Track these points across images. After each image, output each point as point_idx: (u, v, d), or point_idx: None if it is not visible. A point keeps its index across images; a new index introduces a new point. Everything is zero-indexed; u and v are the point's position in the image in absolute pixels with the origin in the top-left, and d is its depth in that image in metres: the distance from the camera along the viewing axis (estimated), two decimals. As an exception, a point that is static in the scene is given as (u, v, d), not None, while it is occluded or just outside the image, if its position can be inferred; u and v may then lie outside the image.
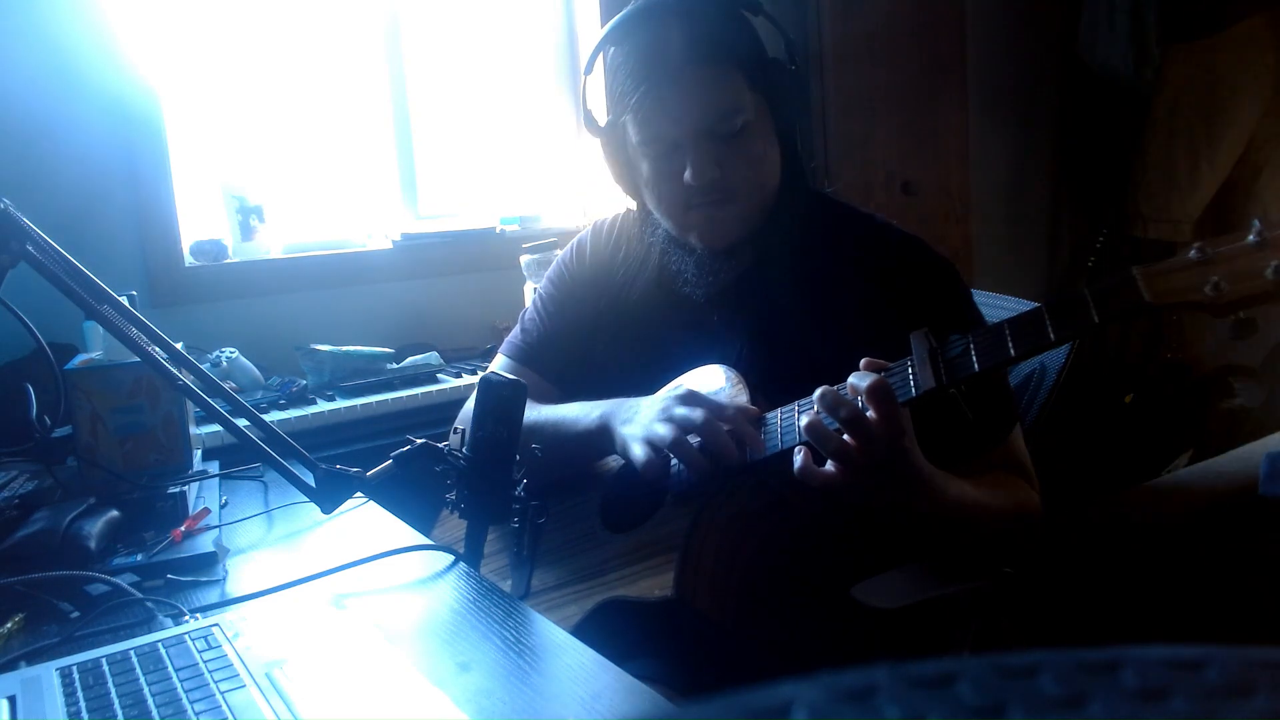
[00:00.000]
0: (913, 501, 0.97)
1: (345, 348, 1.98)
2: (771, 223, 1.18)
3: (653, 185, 1.16)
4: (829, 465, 0.93)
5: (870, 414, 0.89)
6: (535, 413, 1.20)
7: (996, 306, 1.35)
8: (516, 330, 1.35)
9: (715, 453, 1.02)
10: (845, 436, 0.90)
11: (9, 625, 0.91)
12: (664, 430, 1.03)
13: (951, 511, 1.01)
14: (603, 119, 1.19)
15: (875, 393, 0.89)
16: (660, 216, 1.20)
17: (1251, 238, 0.77)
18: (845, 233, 1.21)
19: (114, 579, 0.99)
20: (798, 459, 0.95)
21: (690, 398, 1.05)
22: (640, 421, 1.07)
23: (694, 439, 1.02)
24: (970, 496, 1.04)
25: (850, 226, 1.21)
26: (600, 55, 1.17)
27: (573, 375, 1.28)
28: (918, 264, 1.16)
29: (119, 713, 0.73)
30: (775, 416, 1.04)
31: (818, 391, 0.94)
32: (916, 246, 1.18)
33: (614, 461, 1.20)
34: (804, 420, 0.93)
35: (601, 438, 1.12)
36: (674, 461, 1.10)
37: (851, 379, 0.94)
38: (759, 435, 1.03)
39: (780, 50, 1.15)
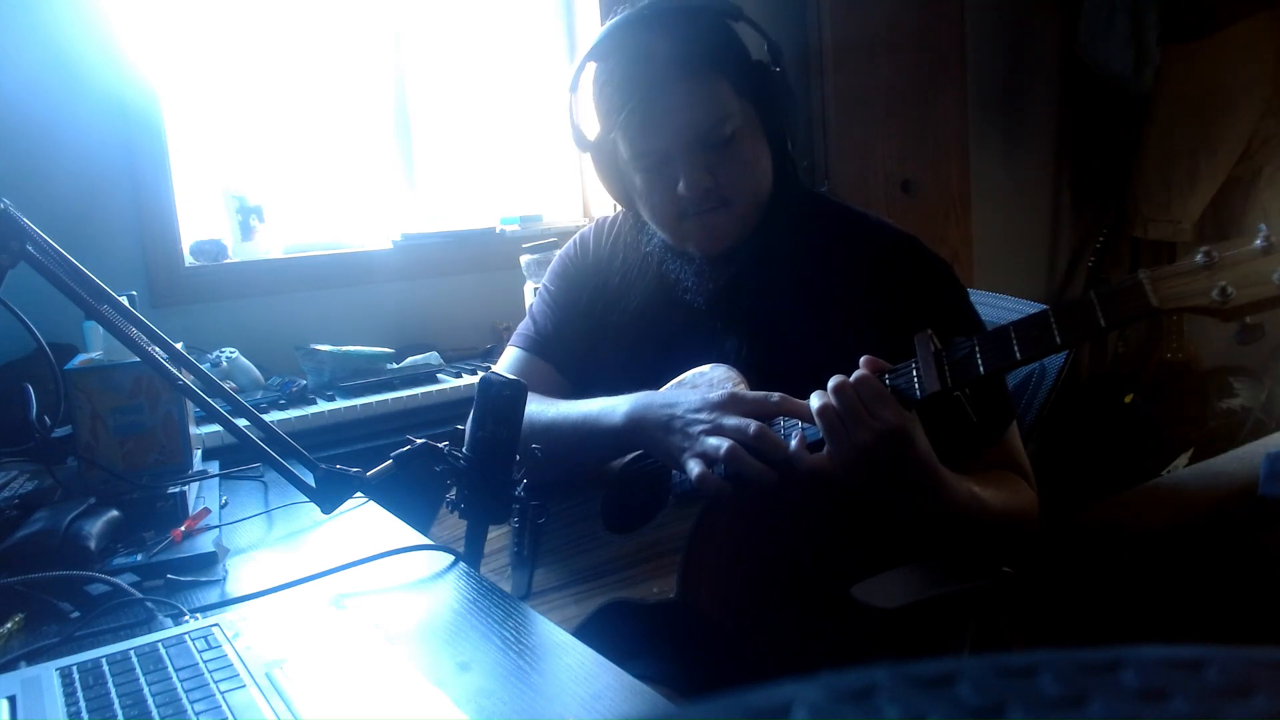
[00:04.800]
0: (921, 497, 0.98)
1: (345, 348, 1.97)
2: (767, 225, 1.18)
3: (646, 197, 1.16)
4: (824, 450, 0.96)
5: (860, 402, 0.94)
6: (554, 409, 1.19)
7: (996, 306, 1.35)
8: (527, 322, 1.35)
9: (777, 462, 0.99)
10: (839, 417, 0.94)
11: (9, 625, 0.91)
12: (717, 442, 1.00)
13: (958, 509, 1.02)
14: (591, 134, 1.19)
15: (860, 385, 0.94)
16: (656, 227, 1.20)
17: (1259, 243, 0.77)
18: (840, 233, 1.21)
19: (114, 579, 0.99)
20: (793, 441, 0.98)
21: (734, 403, 1.02)
22: (683, 430, 1.03)
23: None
24: (975, 494, 1.04)
25: (845, 226, 1.21)
26: (585, 71, 1.17)
27: (582, 369, 1.28)
28: (912, 263, 1.17)
29: (119, 713, 0.73)
30: (779, 419, 1.04)
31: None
32: (911, 245, 1.18)
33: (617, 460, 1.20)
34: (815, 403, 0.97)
35: (632, 438, 1.10)
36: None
37: None
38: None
39: (765, 54, 1.15)
